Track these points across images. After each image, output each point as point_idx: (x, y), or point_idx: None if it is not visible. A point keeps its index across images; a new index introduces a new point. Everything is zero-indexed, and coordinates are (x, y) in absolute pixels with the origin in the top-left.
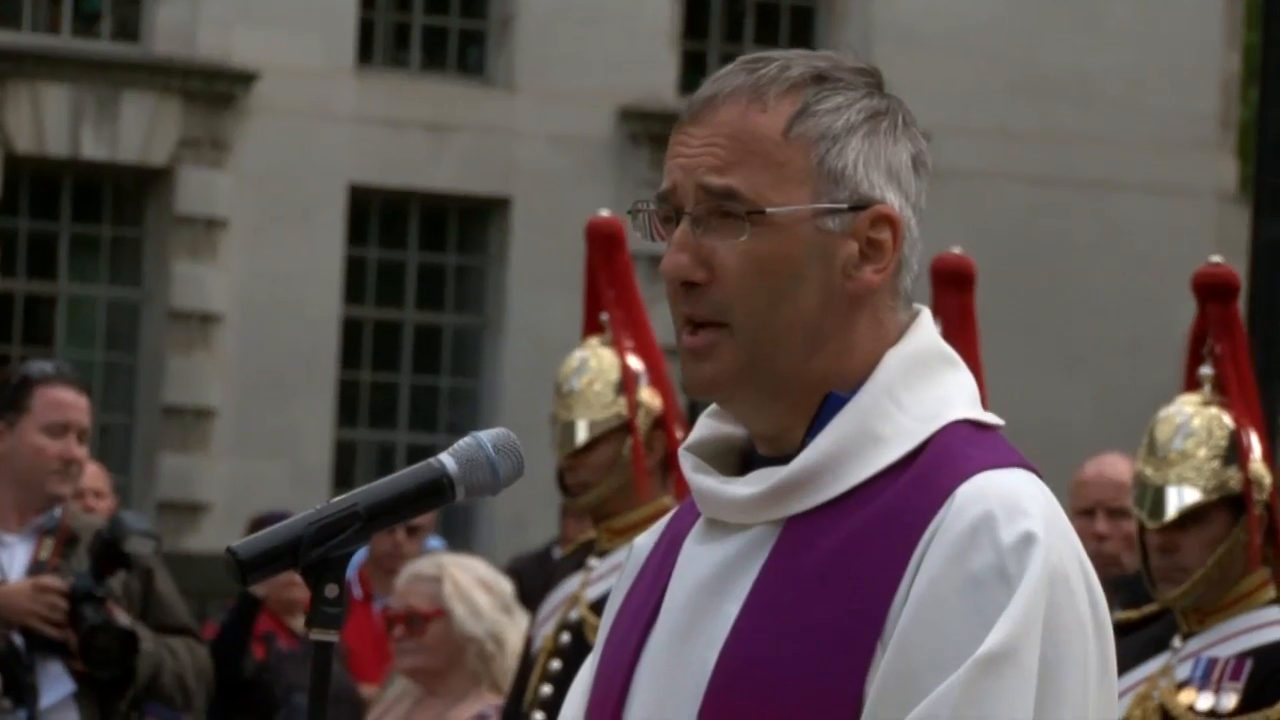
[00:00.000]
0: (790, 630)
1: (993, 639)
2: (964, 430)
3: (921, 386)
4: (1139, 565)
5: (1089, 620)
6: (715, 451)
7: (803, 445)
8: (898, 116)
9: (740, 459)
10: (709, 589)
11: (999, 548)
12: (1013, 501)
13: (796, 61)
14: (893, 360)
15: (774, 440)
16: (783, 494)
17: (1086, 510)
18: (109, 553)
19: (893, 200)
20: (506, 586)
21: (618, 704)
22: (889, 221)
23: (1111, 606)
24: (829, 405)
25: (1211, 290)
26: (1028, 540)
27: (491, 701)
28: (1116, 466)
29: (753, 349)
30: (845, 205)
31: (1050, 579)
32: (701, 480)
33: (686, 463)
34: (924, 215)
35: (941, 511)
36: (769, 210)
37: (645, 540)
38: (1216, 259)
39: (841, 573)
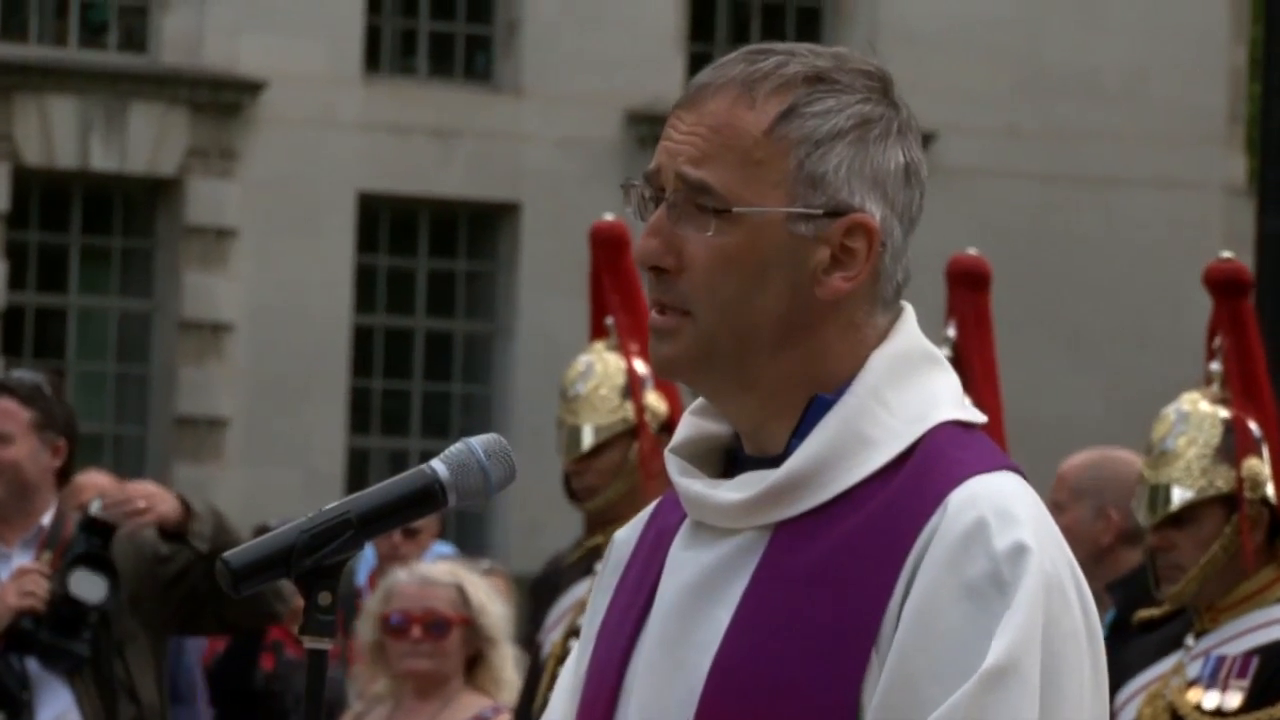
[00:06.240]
0: (784, 637)
1: (996, 652)
2: (951, 431)
3: (907, 387)
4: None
5: (1082, 626)
6: (700, 451)
7: (789, 448)
8: (893, 124)
9: (725, 458)
10: (700, 594)
11: (993, 555)
12: (1004, 508)
13: (798, 58)
14: (878, 361)
15: (757, 437)
16: (772, 499)
17: None
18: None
19: (874, 209)
20: (500, 595)
21: (607, 708)
22: (865, 230)
23: (1106, 608)
24: (815, 407)
25: (1222, 286)
26: (1021, 548)
27: (488, 704)
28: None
29: (711, 340)
30: (820, 211)
31: (1045, 587)
32: (689, 484)
33: (672, 465)
34: (926, 219)
35: (934, 518)
36: (735, 210)
37: (626, 534)
38: (1227, 254)
39: (834, 579)
